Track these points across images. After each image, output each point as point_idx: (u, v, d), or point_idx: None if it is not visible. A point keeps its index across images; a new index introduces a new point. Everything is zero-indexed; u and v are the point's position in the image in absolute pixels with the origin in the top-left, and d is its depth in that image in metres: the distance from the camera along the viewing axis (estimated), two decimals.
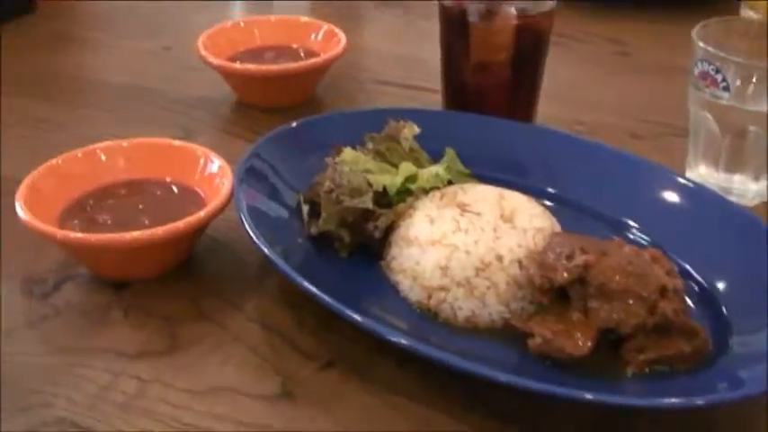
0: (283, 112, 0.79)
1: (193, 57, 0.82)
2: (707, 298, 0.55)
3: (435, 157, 0.65)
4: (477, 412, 0.49)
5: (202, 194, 0.62)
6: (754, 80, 0.65)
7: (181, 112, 0.82)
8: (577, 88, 0.88)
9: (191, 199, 0.61)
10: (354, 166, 0.61)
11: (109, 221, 0.59)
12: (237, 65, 0.83)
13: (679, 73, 0.70)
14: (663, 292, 0.50)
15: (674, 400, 0.47)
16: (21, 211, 0.56)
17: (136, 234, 0.55)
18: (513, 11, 0.69)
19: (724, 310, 0.54)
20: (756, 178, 0.68)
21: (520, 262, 0.54)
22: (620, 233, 0.60)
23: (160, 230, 0.55)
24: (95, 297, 0.58)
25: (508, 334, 0.53)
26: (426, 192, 0.61)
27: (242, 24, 0.89)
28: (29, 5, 1.13)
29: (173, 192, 0.63)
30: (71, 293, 0.58)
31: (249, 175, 0.61)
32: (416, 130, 0.64)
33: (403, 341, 0.49)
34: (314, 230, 0.59)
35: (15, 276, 0.59)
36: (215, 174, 0.62)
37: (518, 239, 0.55)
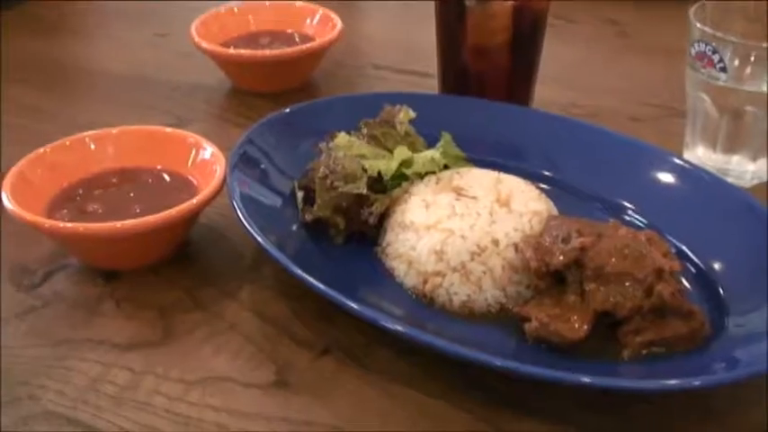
0: (279, 98, 0.79)
1: (188, 43, 0.81)
2: (704, 279, 0.55)
3: (431, 142, 0.64)
4: (474, 397, 0.49)
5: (195, 182, 0.61)
6: (751, 60, 0.64)
7: (175, 100, 0.82)
8: (576, 71, 0.87)
9: (183, 187, 0.61)
10: (349, 151, 0.60)
11: (99, 210, 0.58)
12: (231, 50, 0.82)
13: (678, 54, 0.69)
14: (659, 274, 0.49)
15: (671, 381, 0.47)
16: (7, 201, 0.55)
17: (126, 223, 0.54)
18: None
19: (721, 291, 0.54)
20: (754, 159, 0.67)
21: (516, 246, 0.53)
22: (616, 215, 0.59)
23: (151, 219, 0.55)
24: (86, 288, 0.57)
25: (505, 318, 0.53)
26: (422, 176, 0.60)
27: (236, 10, 0.88)
28: None
29: (164, 180, 0.62)
30: (61, 284, 0.57)
31: (242, 161, 0.61)
32: (412, 114, 0.64)
33: (399, 328, 0.48)
34: (308, 217, 0.58)
35: (4, 267, 0.59)
36: (208, 161, 0.62)
37: (514, 223, 0.54)
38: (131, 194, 0.60)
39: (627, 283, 0.49)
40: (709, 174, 0.62)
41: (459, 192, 0.57)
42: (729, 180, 0.65)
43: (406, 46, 0.92)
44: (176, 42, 0.90)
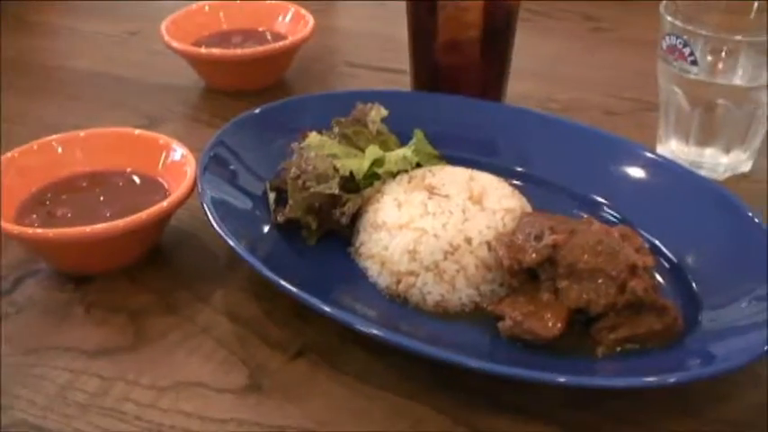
0: (252, 96, 0.78)
1: (159, 42, 0.80)
2: (677, 274, 0.55)
3: (404, 140, 0.64)
4: (450, 397, 0.48)
5: (165, 185, 0.60)
6: (723, 53, 0.64)
7: (146, 99, 0.81)
8: (551, 65, 0.87)
9: (153, 189, 0.60)
10: (321, 150, 0.60)
11: (69, 215, 0.57)
12: (203, 50, 0.81)
13: (653, 48, 0.69)
14: (633, 270, 0.49)
15: (646, 378, 0.47)
16: None
17: (96, 227, 0.54)
18: None
19: (694, 285, 0.53)
20: (727, 151, 0.67)
21: (489, 244, 0.53)
22: (590, 211, 0.59)
23: (121, 222, 0.54)
24: (56, 293, 0.56)
25: (479, 317, 0.52)
26: (394, 175, 0.60)
27: (207, 8, 0.87)
28: None
29: (134, 182, 0.61)
30: (32, 290, 0.57)
31: (213, 162, 0.60)
32: (384, 112, 0.63)
33: (373, 331, 0.48)
34: (281, 218, 0.58)
35: None
36: (178, 162, 0.61)
37: (487, 221, 0.54)
38: (101, 198, 0.59)
39: (600, 280, 0.49)
40: (682, 167, 0.62)
41: (431, 190, 0.56)
42: (703, 173, 0.65)
43: (381, 42, 0.92)
44: (148, 41, 0.89)
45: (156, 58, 0.86)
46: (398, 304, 0.54)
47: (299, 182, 0.58)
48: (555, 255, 0.49)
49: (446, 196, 0.56)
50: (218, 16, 0.86)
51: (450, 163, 0.63)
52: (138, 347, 0.52)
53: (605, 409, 0.48)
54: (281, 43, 0.81)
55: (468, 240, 0.53)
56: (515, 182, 0.62)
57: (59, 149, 0.62)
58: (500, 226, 0.54)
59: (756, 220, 0.55)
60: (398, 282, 0.54)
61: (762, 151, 0.68)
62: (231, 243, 0.53)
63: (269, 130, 0.65)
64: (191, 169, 0.59)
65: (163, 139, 0.63)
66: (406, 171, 0.60)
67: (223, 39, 0.84)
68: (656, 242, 0.57)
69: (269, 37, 0.84)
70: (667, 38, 0.64)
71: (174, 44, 0.79)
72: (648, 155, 0.62)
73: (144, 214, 0.55)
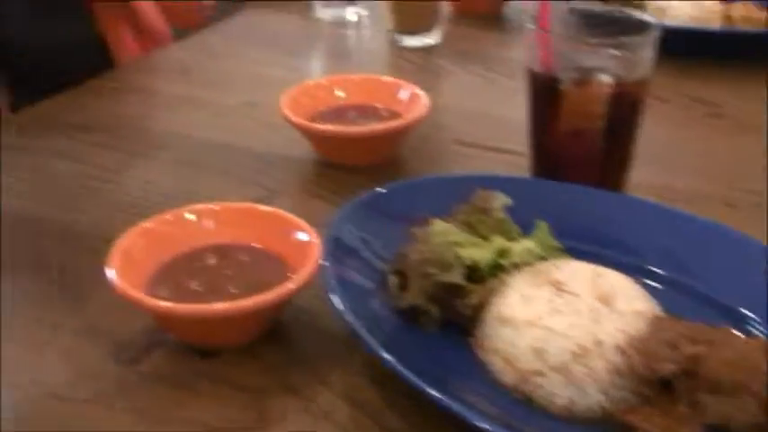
0: (365, 171, 0.79)
1: (276, 114, 0.82)
2: None
3: (523, 226, 0.64)
4: None
5: (289, 262, 0.61)
6: None
7: (262, 170, 0.83)
8: (668, 151, 0.86)
9: (277, 266, 0.61)
10: (444, 238, 0.60)
11: (197, 289, 0.58)
12: (319, 125, 0.83)
13: None
14: None
15: None
16: (114, 277, 0.56)
17: (225, 305, 0.55)
18: (607, 78, 0.68)
19: None
20: None
21: (620, 348, 0.52)
22: (726, 317, 0.57)
23: (250, 302, 0.55)
24: (182, 366, 0.57)
25: (606, 423, 0.51)
26: (518, 267, 0.59)
27: (324, 82, 0.90)
28: (108, 59, 1.17)
29: (259, 258, 0.62)
30: (159, 360, 0.58)
31: (337, 242, 0.61)
32: (507, 201, 0.63)
33: (497, 430, 0.47)
34: (402, 304, 0.58)
35: (102, 341, 0.59)
36: (302, 242, 0.62)
37: (617, 323, 0.53)
38: (228, 272, 0.60)
39: (742, 396, 0.47)
40: None
41: (558, 286, 0.55)
42: None
43: (492, 121, 0.92)
44: (265, 112, 0.92)
45: (271, 130, 0.88)
46: (522, 403, 0.52)
47: (422, 268, 0.58)
48: (695, 367, 0.48)
49: (574, 293, 0.55)
50: (335, 91, 0.89)
51: (570, 255, 0.62)
52: (261, 428, 0.52)
53: None
54: (397, 122, 0.82)
55: (599, 343, 0.52)
56: (639, 278, 0.60)
57: (191, 220, 0.63)
58: (631, 330, 0.52)
59: None
60: (524, 380, 0.53)
61: None
62: (355, 328, 0.53)
63: (390, 211, 0.66)
64: (315, 249, 0.60)
65: (288, 216, 0.64)
66: (530, 263, 0.59)
67: (339, 113, 0.86)
68: None
69: (384, 113, 0.86)
70: None
71: (293, 118, 0.81)
72: None
73: (271, 294, 0.56)
